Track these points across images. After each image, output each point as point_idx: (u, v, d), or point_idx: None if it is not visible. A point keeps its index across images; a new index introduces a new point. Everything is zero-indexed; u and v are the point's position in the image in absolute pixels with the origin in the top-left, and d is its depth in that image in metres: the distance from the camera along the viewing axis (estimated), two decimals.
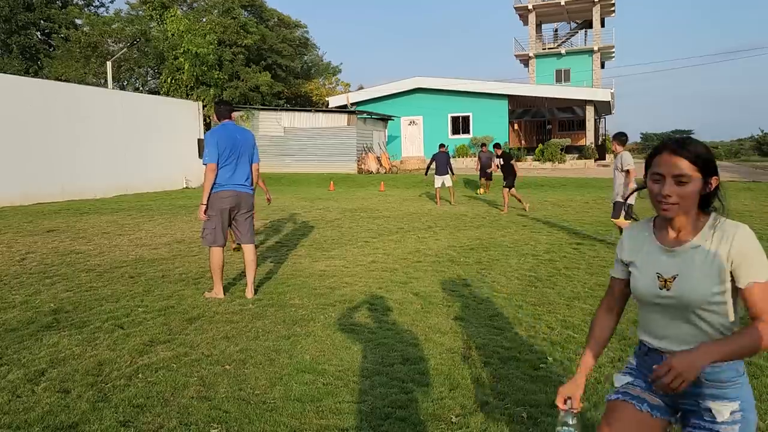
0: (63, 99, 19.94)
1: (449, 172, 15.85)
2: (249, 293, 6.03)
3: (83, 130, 20.38)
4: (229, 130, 6.02)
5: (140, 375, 3.96)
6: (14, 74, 26.50)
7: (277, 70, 35.20)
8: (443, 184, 15.88)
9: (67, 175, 19.42)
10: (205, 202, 5.90)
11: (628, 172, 8.26)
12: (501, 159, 14.89)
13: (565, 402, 2.00)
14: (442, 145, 16.66)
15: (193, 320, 5.24)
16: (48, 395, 3.64)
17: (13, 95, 18.17)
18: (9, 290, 6.46)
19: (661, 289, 1.87)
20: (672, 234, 1.91)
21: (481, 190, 19.80)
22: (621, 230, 8.39)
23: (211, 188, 5.88)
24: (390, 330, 4.90)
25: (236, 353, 4.35)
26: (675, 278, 1.85)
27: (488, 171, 19.45)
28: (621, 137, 8.56)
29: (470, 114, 32.84)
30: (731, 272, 1.79)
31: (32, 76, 28.44)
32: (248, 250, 6.16)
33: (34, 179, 18.22)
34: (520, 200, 14.07)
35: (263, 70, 32.15)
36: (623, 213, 8.33)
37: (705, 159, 1.82)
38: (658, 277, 1.89)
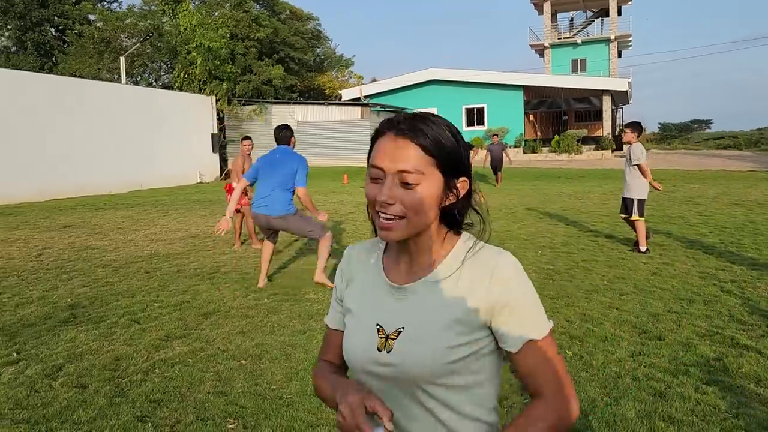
0: (78, 95, 20.05)
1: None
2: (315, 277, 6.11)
3: (98, 125, 20.50)
4: (273, 152, 6.12)
5: (156, 370, 3.96)
6: (29, 71, 26.70)
7: (290, 63, 35.17)
8: None
9: (82, 171, 19.55)
10: (228, 216, 5.98)
11: (638, 166, 7.57)
12: None
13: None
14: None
15: (209, 315, 5.23)
16: (66, 390, 3.65)
17: (29, 92, 18.29)
18: (26, 286, 6.50)
19: (379, 351, 1.18)
20: (403, 264, 1.24)
21: (498, 184, 18.74)
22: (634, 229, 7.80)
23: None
24: None
25: (252, 348, 4.34)
26: (399, 334, 1.17)
27: (500, 164, 18.47)
28: (636, 126, 7.80)
29: (485, 105, 32.61)
30: (490, 327, 1.16)
31: (47, 73, 28.65)
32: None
33: (50, 175, 18.36)
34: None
35: (276, 63, 32.12)
36: (639, 211, 7.59)
37: (449, 149, 1.17)
38: (378, 330, 1.20)
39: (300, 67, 37.05)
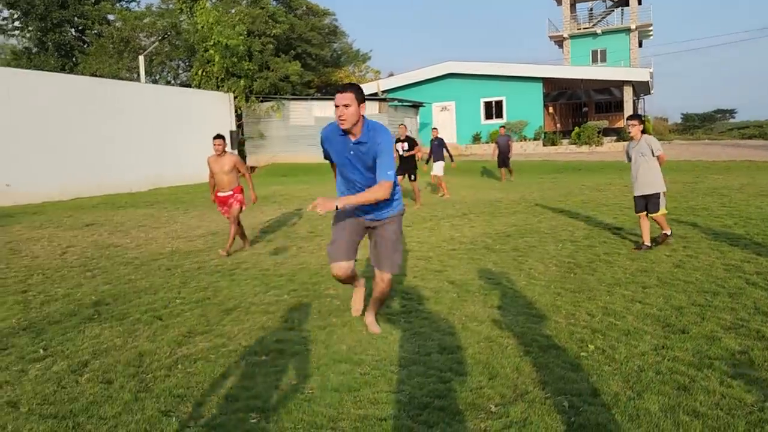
0: (98, 94, 20.29)
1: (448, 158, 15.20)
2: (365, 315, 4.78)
3: (118, 124, 20.73)
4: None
5: (180, 366, 4.00)
6: (51, 71, 27.06)
7: (307, 59, 35.20)
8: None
9: (103, 170, 19.80)
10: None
11: (658, 157, 7.22)
12: (406, 143, 12.93)
13: None
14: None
15: (230, 311, 5.28)
16: (91, 386, 3.71)
17: (50, 92, 18.54)
18: (51, 284, 6.60)
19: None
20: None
21: (504, 180, 18.11)
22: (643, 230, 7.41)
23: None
24: (426, 319, 4.86)
25: (273, 344, 4.36)
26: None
27: (508, 157, 18.06)
28: (641, 118, 7.37)
29: (503, 98, 32.40)
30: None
31: (68, 73, 29.02)
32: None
33: (72, 174, 18.62)
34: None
35: (293, 59, 32.14)
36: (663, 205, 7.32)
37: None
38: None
39: (317, 63, 37.07)
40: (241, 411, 3.30)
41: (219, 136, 7.99)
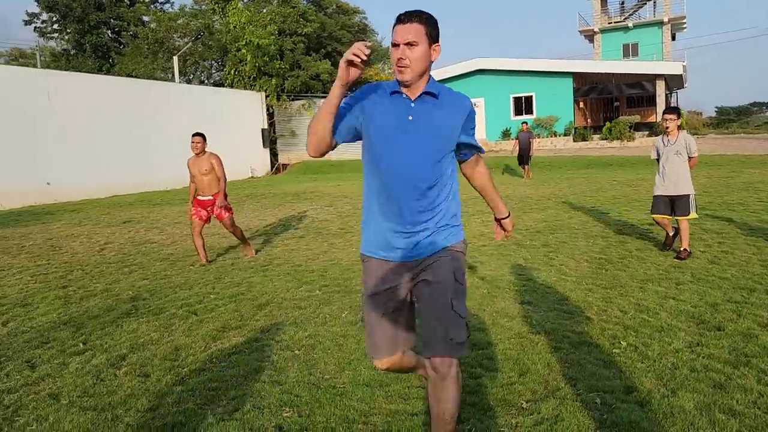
0: (135, 95, 20.71)
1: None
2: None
3: (154, 124, 21.15)
4: None
5: (214, 360, 4.09)
6: (89, 72, 27.66)
7: (337, 58, 35.25)
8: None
9: (139, 169, 20.22)
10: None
11: (690, 158, 6.68)
12: None
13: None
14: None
15: (263, 306, 5.36)
16: (129, 379, 3.81)
17: (89, 93, 18.99)
18: (90, 279, 6.78)
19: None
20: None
21: (527, 177, 17.88)
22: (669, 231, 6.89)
23: None
24: None
25: (305, 339, 4.42)
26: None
27: (529, 155, 17.82)
28: (678, 112, 6.80)
29: (533, 94, 32.06)
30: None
31: (105, 74, 29.65)
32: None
33: (109, 173, 19.06)
34: None
35: (323, 58, 32.30)
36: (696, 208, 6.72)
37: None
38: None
39: None
40: (274, 405, 3.36)
41: (197, 134, 7.42)
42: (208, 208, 7.53)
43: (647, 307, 4.83)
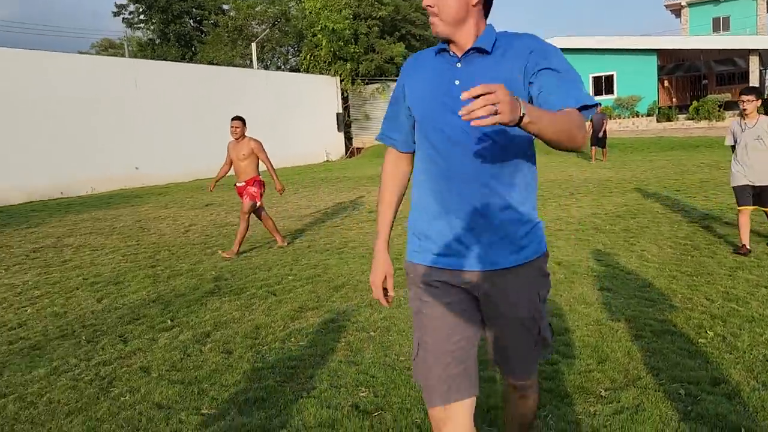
0: (217, 81, 21.41)
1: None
2: None
3: (235, 109, 21.75)
4: None
5: (293, 339, 4.21)
6: (173, 61, 28.79)
7: (411, 41, 35.16)
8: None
9: (220, 153, 20.92)
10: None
11: None
12: None
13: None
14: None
15: (339, 288, 5.46)
16: (213, 355, 3.99)
17: (174, 81, 19.78)
18: (177, 259, 7.11)
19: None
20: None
21: (594, 160, 17.43)
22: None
23: None
24: None
25: (380, 320, 4.48)
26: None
27: (600, 136, 17.24)
28: (759, 92, 6.18)
29: (614, 73, 30.84)
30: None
31: (188, 62, 30.76)
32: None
33: (193, 157, 19.83)
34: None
35: (397, 41, 32.24)
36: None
37: None
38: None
39: (421, 44, 36.90)
40: (350, 385, 3.44)
41: (236, 118, 7.18)
42: (244, 194, 7.31)
43: (737, 296, 4.60)
